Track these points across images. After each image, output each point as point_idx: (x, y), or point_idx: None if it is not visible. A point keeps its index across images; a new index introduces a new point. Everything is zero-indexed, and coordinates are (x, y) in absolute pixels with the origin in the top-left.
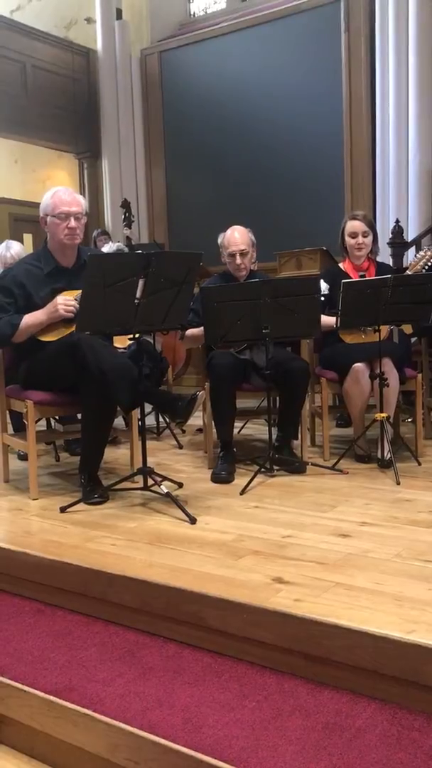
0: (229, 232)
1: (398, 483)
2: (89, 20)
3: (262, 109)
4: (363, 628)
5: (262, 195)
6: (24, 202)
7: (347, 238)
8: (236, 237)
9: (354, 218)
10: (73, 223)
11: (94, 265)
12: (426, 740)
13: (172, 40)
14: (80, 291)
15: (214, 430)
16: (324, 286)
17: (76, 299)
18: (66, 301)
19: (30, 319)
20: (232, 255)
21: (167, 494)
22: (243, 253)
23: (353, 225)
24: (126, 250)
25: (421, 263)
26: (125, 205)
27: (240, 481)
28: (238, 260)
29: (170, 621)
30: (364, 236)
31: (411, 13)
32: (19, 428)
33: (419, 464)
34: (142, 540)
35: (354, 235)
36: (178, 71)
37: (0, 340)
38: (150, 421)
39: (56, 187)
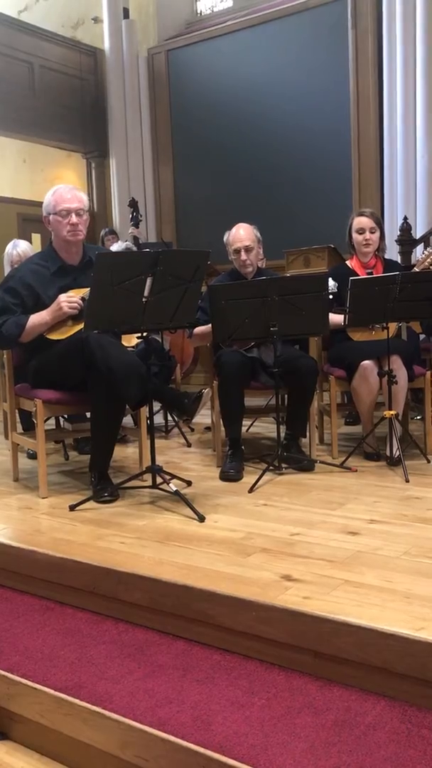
0: (234, 229)
1: (407, 480)
2: (96, 20)
3: (269, 107)
4: (372, 626)
5: (269, 193)
6: (32, 201)
7: (354, 235)
8: (241, 234)
9: (361, 214)
10: (74, 219)
11: (102, 263)
12: None
13: (179, 39)
14: (87, 289)
15: (223, 429)
16: (332, 284)
17: (83, 297)
18: (69, 298)
19: (36, 319)
20: (237, 251)
21: (176, 492)
22: (248, 249)
23: (360, 221)
24: (134, 249)
25: (429, 260)
26: (133, 204)
27: (248, 479)
28: (243, 256)
29: (179, 618)
30: (372, 232)
31: (418, 11)
32: (29, 427)
33: (428, 461)
34: (152, 538)
35: (361, 231)
36: (185, 70)
37: (7, 340)
38: (159, 419)
39: (56, 186)
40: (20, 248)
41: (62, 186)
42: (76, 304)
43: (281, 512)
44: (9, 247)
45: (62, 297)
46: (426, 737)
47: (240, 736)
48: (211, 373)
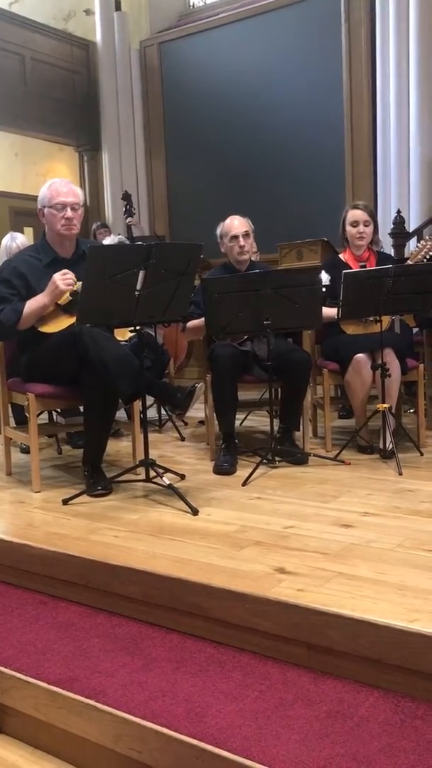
0: (227, 220)
1: (400, 473)
2: (88, 12)
3: (262, 100)
4: (365, 618)
5: (262, 186)
6: (24, 195)
7: (348, 227)
8: (236, 223)
9: (355, 207)
10: (69, 213)
11: (95, 256)
12: (429, 728)
13: (172, 32)
14: (80, 283)
15: (216, 422)
16: (325, 277)
17: (76, 291)
18: (63, 275)
19: (33, 303)
20: (235, 237)
21: (169, 486)
22: (245, 234)
23: (354, 214)
24: (127, 242)
25: (422, 253)
26: (126, 197)
27: (242, 472)
28: (242, 242)
29: (173, 612)
30: (366, 225)
31: (411, 3)
32: (21, 421)
33: (421, 454)
34: (145, 531)
35: (355, 224)
36: (177, 62)
37: (6, 328)
38: (152, 413)
39: (52, 179)
40: (18, 241)
41: (58, 180)
42: (71, 280)
43: (275, 505)
44: (7, 240)
45: (57, 275)
46: (419, 728)
47: (233, 728)
48: (204, 366)
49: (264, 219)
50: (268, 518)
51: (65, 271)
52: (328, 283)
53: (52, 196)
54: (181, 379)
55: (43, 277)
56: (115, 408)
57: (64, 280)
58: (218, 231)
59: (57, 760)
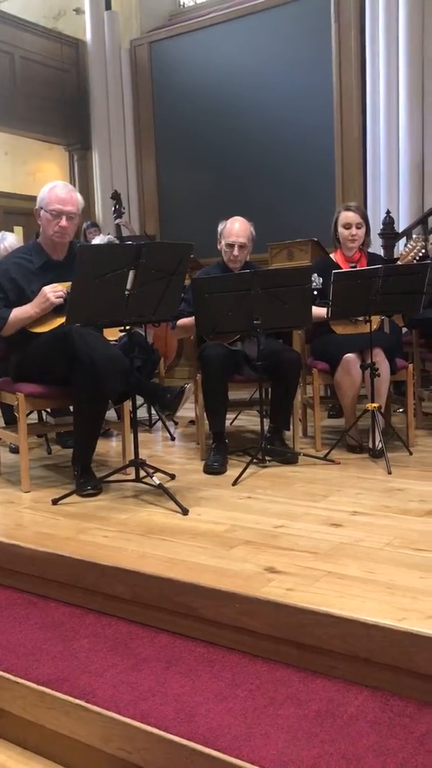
0: (230, 222)
1: (389, 472)
2: (78, 11)
3: (252, 100)
4: (355, 617)
5: (253, 186)
6: (14, 194)
7: (341, 229)
8: (236, 228)
9: (348, 209)
10: (64, 222)
11: (84, 256)
12: (417, 726)
13: (162, 31)
14: (70, 283)
15: (207, 422)
16: (316, 279)
17: (66, 291)
18: (54, 288)
19: (19, 312)
20: (230, 245)
21: (159, 486)
22: (242, 246)
23: (347, 216)
24: (116, 242)
25: (411, 254)
26: (115, 196)
27: (232, 472)
28: (236, 251)
29: (163, 611)
30: (358, 227)
31: (401, 4)
32: (11, 421)
33: (410, 454)
34: (135, 531)
35: (348, 227)
36: (168, 62)
37: None
38: (142, 413)
39: (56, 182)
40: (7, 242)
41: (61, 184)
42: (61, 293)
43: (265, 505)
44: None
45: (46, 288)
46: (407, 726)
47: (223, 727)
48: (194, 366)
49: (254, 218)
50: (258, 518)
51: (55, 285)
52: (319, 286)
53: (50, 201)
54: (172, 379)
55: (34, 281)
56: (104, 407)
57: (55, 293)
58: (219, 227)
59: (46, 761)
